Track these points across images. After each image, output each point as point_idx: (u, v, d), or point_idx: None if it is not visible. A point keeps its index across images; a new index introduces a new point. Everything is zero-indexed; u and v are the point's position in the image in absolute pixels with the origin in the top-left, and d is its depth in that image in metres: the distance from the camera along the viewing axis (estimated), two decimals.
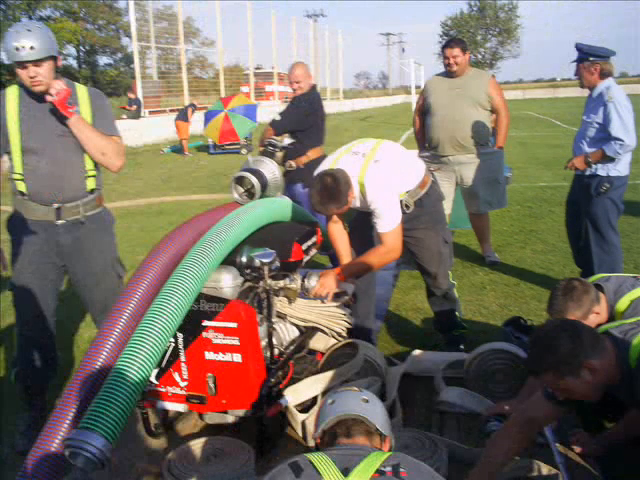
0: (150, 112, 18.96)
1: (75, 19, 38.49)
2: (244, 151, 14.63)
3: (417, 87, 21.43)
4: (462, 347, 3.42)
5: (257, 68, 27.56)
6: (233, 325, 2.37)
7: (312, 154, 4.45)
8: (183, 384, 2.48)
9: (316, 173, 2.94)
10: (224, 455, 2.39)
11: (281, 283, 2.78)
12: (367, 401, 1.64)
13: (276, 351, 2.68)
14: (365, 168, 2.90)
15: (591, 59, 3.80)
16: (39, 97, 2.66)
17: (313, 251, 3.02)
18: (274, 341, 2.67)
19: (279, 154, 4.29)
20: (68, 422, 2.09)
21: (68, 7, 38.14)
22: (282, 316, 2.84)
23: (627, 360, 1.89)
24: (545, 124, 20.32)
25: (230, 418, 2.53)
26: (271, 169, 3.15)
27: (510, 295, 4.47)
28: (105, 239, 2.95)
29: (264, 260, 2.50)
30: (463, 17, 54.60)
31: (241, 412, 2.47)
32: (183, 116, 15.81)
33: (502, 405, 2.57)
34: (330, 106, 28.34)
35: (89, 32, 40.05)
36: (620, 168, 3.84)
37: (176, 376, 2.48)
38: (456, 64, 4.73)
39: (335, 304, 2.99)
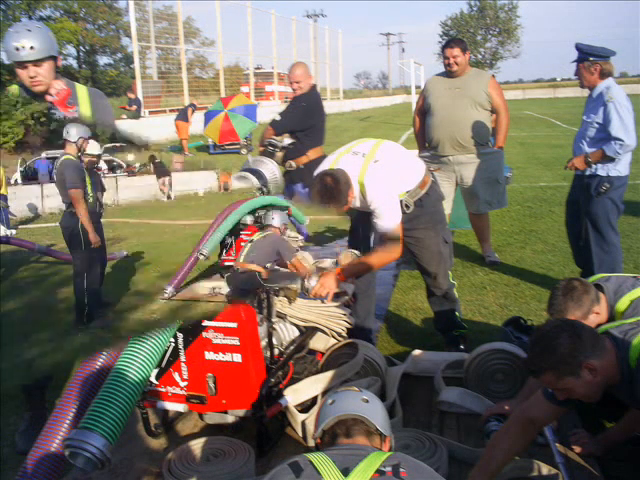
0: (150, 112, 18.91)
1: (75, 19, 38.47)
2: (244, 151, 14.60)
3: (417, 87, 21.37)
4: (462, 347, 3.42)
5: (257, 68, 27.48)
6: (233, 325, 2.37)
7: (312, 154, 4.45)
8: (183, 384, 2.48)
9: (316, 173, 2.94)
10: (224, 455, 2.39)
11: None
12: (367, 401, 1.64)
13: (276, 351, 2.69)
14: (365, 168, 2.90)
15: (591, 59, 3.80)
16: (39, 97, 2.66)
17: None
18: (274, 341, 2.67)
19: (279, 154, 4.30)
20: (68, 422, 2.10)
21: (68, 7, 38.12)
22: (282, 316, 2.84)
23: (627, 360, 1.89)
24: (545, 124, 20.30)
25: (230, 418, 2.52)
26: (271, 169, 3.16)
27: (510, 295, 4.47)
28: None
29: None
30: (463, 17, 54.49)
31: (241, 412, 2.47)
32: (183, 116, 15.79)
33: (502, 405, 2.57)
34: (330, 106, 28.26)
35: (89, 32, 40.01)
36: (620, 168, 3.84)
37: (176, 376, 2.48)
38: (456, 64, 4.73)
39: (335, 304, 2.99)
